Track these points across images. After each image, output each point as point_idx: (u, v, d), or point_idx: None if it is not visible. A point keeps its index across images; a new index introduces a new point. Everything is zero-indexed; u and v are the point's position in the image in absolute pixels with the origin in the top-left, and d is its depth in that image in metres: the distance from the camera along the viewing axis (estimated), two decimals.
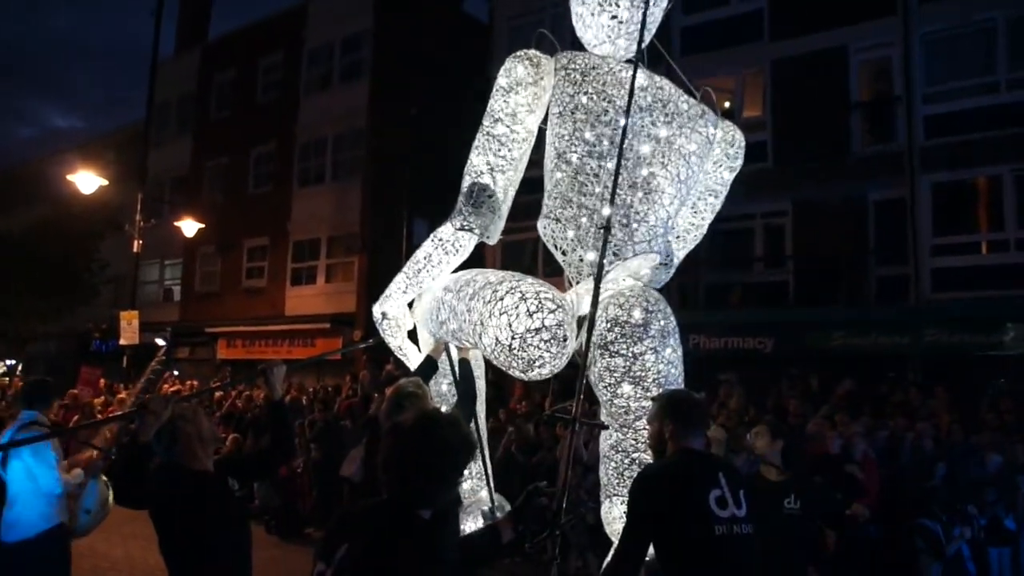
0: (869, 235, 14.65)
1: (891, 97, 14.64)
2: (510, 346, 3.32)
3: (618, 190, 3.61)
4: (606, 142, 3.74)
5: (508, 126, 3.92)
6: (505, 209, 4.04)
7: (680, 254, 4.13)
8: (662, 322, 3.68)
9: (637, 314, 3.62)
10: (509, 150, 3.92)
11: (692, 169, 3.88)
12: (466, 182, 3.94)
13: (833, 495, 6.06)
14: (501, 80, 3.96)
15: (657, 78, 3.91)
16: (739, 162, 4.20)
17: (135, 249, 16.54)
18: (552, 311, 3.30)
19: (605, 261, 3.45)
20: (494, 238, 4.03)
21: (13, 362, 24.42)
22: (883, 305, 14.15)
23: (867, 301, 14.33)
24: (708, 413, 3.12)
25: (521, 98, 3.91)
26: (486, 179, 3.89)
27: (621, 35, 3.91)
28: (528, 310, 3.31)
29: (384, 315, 4.10)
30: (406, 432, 2.14)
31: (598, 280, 3.28)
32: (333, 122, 20.99)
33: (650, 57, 4.09)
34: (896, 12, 14.38)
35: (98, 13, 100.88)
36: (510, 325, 3.32)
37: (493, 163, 3.91)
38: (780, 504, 4.33)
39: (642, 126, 3.69)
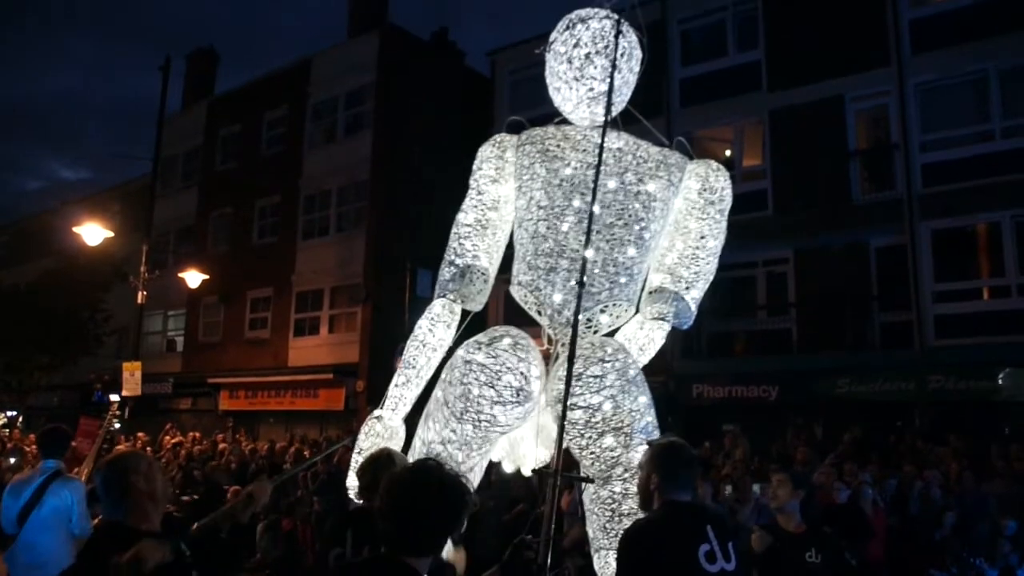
0: (871, 282, 14.69)
1: (888, 145, 14.83)
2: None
3: (574, 245, 3.76)
4: (558, 202, 3.87)
5: (475, 198, 4.12)
6: (492, 273, 4.13)
7: (695, 296, 4.11)
8: (620, 371, 3.66)
9: (596, 366, 3.64)
10: (477, 220, 4.09)
11: (653, 212, 3.91)
12: (444, 262, 4.11)
13: (846, 554, 5.96)
14: (474, 164, 4.21)
15: (615, 135, 3.98)
16: (723, 195, 4.15)
17: (139, 300, 16.58)
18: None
19: (581, 317, 3.58)
20: (478, 306, 4.13)
21: (14, 413, 24.32)
22: (887, 352, 14.11)
23: (871, 348, 14.30)
24: (697, 462, 3.05)
25: (485, 171, 4.13)
26: (460, 258, 4.05)
27: (599, 102, 3.98)
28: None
29: (379, 418, 3.99)
30: (401, 481, 2.14)
31: (574, 337, 3.31)
32: (337, 174, 21.23)
33: (638, 112, 4.21)
34: (890, 63, 14.64)
35: (108, 71, 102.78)
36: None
37: (462, 233, 4.08)
38: (802, 557, 4.26)
39: (593, 180, 3.71)
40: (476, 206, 4.12)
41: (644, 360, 4.05)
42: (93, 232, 16.28)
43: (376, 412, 4.02)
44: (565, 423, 3.56)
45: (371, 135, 20.85)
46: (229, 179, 24.63)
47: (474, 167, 4.21)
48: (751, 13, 16.62)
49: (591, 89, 3.97)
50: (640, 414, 3.63)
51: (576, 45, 3.97)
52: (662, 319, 4.04)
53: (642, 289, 4.07)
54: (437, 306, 4.08)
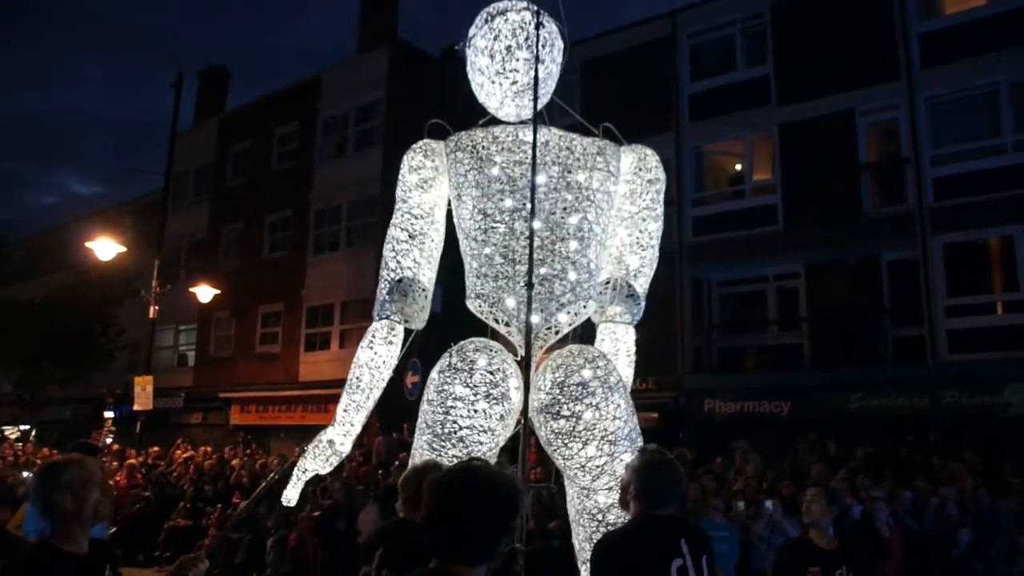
0: (883, 296, 14.62)
1: (899, 159, 14.77)
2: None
3: (515, 246, 3.72)
4: (493, 205, 3.82)
5: (406, 211, 4.03)
6: (431, 286, 4.06)
7: (643, 284, 4.07)
8: (602, 378, 3.64)
9: (577, 374, 3.62)
10: (411, 234, 4.00)
11: (590, 203, 3.85)
12: (382, 280, 4.02)
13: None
14: (401, 173, 4.12)
15: (544, 130, 3.91)
16: (658, 175, 4.11)
17: (151, 315, 16.67)
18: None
19: (537, 319, 3.69)
20: (421, 323, 4.07)
21: (28, 427, 24.43)
22: (900, 367, 14.02)
23: (884, 363, 14.21)
24: (681, 477, 3.00)
25: (414, 181, 4.04)
26: (398, 275, 3.95)
27: (524, 95, 3.92)
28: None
29: (331, 442, 3.94)
30: (448, 485, 1.94)
31: (528, 342, 3.35)
32: (347, 189, 21.32)
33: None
34: (900, 77, 14.62)
35: (122, 88, 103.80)
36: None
37: (398, 249, 3.99)
38: (832, 573, 4.25)
39: (523, 177, 3.72)
40: (408, 219, 4.02)
41: (631, 371, 4.03)
42: (106, 247, 16.42)
43: (328, 435, 3.94)
44: (549, 433, 3.64)
45: (381, 150, 20.94)
46: (240, 194, 24.77)
47: (401, 177, 4.11)
48: (760, 28, 16.65)
49: (514, 83, 3.90)
50: (624, 422, 3.61)
51: (496, 38, 3.88)
52: (627, 323, 4.03)
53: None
54: (379, 329, 3.98)
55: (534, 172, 3.56)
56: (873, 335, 14.48)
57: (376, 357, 3.95)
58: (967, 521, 7.61)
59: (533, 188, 3.54)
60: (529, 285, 3.44)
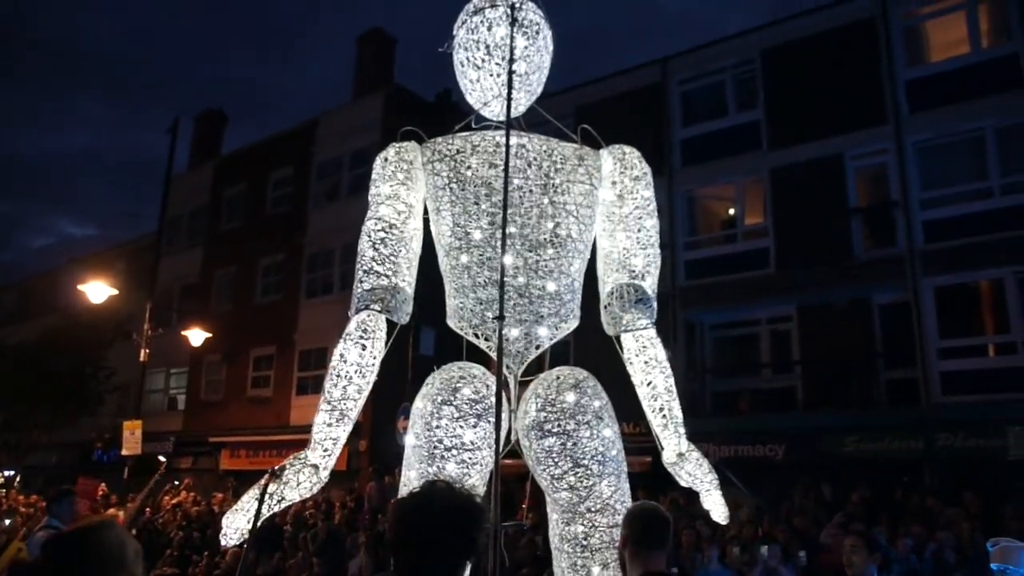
0: (876, 338, 14.65)
1: (889, 202, 14.92)
2: None
3: (490, 253, 3.61)
4: (470, 211, 3.69)
5: (381, 203, 3.78)
6: (411, 290, 3.75)
7: (651, 285, 3.86)
8: (594, 400, 3.60)
9: (568, 393, 3.57)
10: (390, 225, 3.71)
11: (570, 208, 3.76)
12: (358, 277, 3.70)
13: None
14: (375, 175, 3.90)
15: (524, 137, 3.82)
16: (644, 168, 3.97)
17: (142, 357, 16.56)
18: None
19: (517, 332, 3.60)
20: (405, 317, 3.72)
21: (12, 472, 24.06)
22: (894, 409, 13.99)
23: (878, 405, 14.19)
24: (668, 528, 2.97)
25: (390, 186, 3.79)
26: (377, 275, 3.64)
27: (517, 88, 3.79)
28: None
29: (316, 468, 3.50)
30: (408, 506, 1.97)
31: (499, 350, 3.26)
32: (341, 233, 21.34)
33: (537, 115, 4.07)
34: (888, 122, 14.84)
35: (117, 130, 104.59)
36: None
37: (375, 239, 3.68)
38: None
39: (497, 179, 3.57)
40: (385, 210, 3.73)
41: (671, 380, 3.74)
42: (97, 290, 16.36)
43: (312, 459, 3.46)
44: (539, 452, 3.55)
45: None
46: (234, 238, 24.81)
47: (375, 177, 3.86)
48: (750, 74, 16.93)
49: (501, 76, 3.75)
50: (611, 443, 3.57)
51: (490, 28, 3.74)
52: (644, 327, 3.74)
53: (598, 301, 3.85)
54: (358, 322, 3.54)
55: (506, 188, 3.42)
56: (866, 378, 14.49)
57: (361, 355, 3.48)
58: (963, 566, 7.53)
59: (506, 190, 3.38)
60: (500, 284, 3.33)
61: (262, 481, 3.35)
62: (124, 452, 15.06)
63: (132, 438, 15.00)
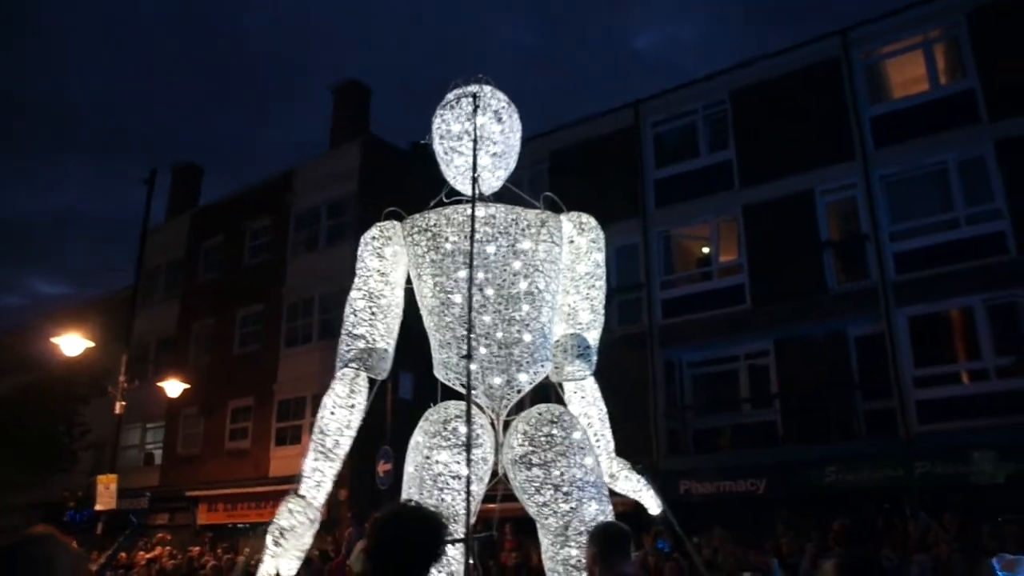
0: (852, 370, 14.79)
1: (860, 235, 15.19)
2: None
3: (477, 317, 3.96)
4: (449, 278, 4.08)
5: (367, 277, 4.27)
6: (391, 337, 4.24)
7: (595, 338, 4.36)
8: (572, 432, 3.94)
9: (548, 427, 3.92)
10: (372, 295, 4.22)
11: (537, 269, 4.13)
12: (342, 340, 4.18)
13: None
14: (360, 250, 4.40)
15: (492, 207, 4.21)
16: (599, 234, 4.40)
17: (117, 410, 16.29)
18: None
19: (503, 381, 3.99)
20: (384, 374, 4.21)
21: None
22: (872, 440, 14.08)
23: (857, 436, 14.28)
24: (630, 541, 3.21)
25: (372, 260, 4.29)
26: (361, 339, 4.13)
27: (490, 169, 4.28)
28: None
29: (310, 505, 3.92)
30: (384, 521, 2.30)
31: (468, 391, 3.61)
32: (320, 282, 21.35)
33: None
34: (855, 157, 15.19)
35: (95, 182, 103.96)
36: None
37: (357, 307, 4.19)
38: None
39: (476, 253, 3.99)
40: (369, 283, 4.24)
41: (608, 427, 4.30)
42: (72, 343, 16.15)
43: (308, 497, 3.93)
44: (523, 482, 3.91)
45: (353, 243, 21.04)
46: (211, 289, 24.69)
47: (360, 253, 4.36)
48: (720, 115, 17.29)
49: (493, 154, 4.24)
50: (591, 470, 3.89)
51: (448, 131, 4.24)
52: (585, 376, 4.29)
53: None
54: (343, 377, 4.08)
55: (472, 244, 3.87)
56: (845, 409, 14.59)
57: (344, 404, 4.04)
58: None
59: (471, 256, 3.83)
60: (468, 331, 3.76)
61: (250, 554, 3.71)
62: (98, 506, 14.74)
63: (107, 492, 14.69)
